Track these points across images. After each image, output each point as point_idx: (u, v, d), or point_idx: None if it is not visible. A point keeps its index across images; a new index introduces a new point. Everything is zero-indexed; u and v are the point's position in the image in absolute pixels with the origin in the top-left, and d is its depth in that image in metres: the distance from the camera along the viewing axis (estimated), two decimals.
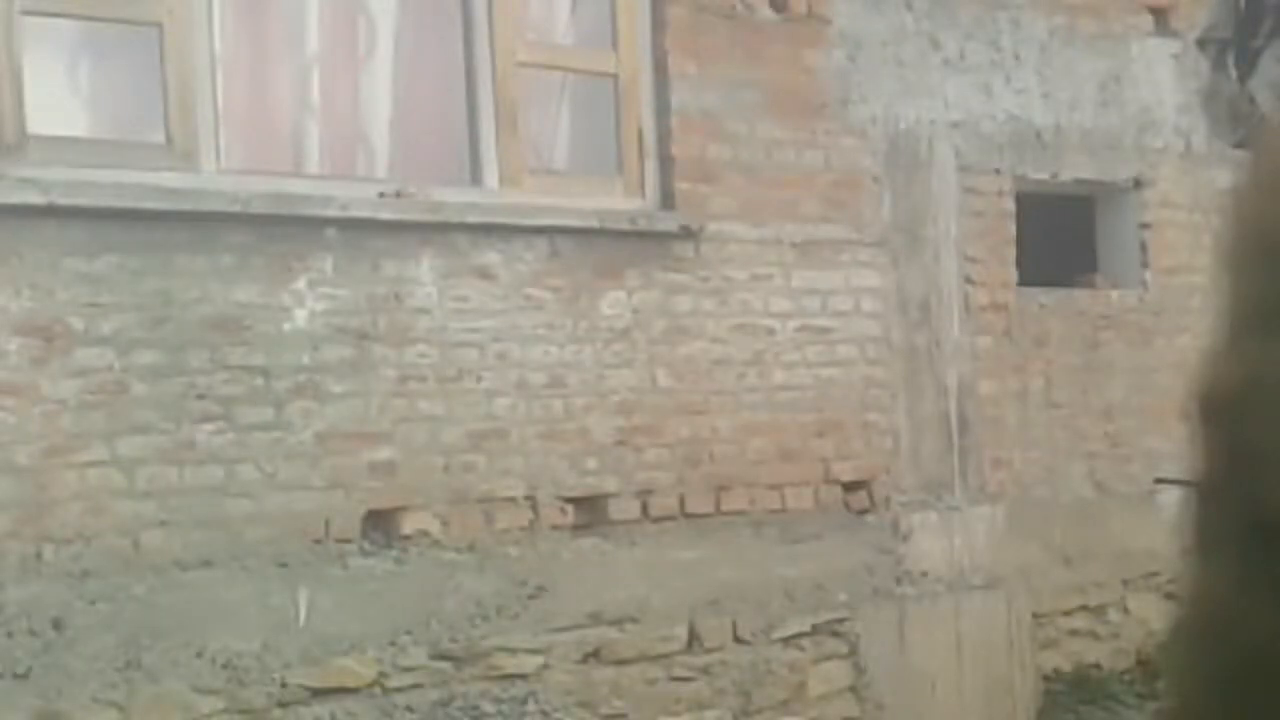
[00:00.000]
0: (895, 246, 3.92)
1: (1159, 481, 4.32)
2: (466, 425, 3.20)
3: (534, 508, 3.29)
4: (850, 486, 3.80)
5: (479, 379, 3.23)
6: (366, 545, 3.07)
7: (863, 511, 3.83)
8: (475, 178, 3.35)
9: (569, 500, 3.35)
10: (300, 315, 3.02)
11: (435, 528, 3.14)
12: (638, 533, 3.43)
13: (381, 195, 3.17)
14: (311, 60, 3.36)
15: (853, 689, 3.69)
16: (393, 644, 3.06)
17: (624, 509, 3.41)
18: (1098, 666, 4.21)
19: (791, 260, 3.71)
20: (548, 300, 3.33)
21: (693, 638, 3.47)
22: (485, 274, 3.26)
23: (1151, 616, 4.22)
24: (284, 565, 2.97)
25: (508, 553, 3.24)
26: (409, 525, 3.13)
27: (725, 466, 3.57)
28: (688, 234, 3.52)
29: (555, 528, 3.31)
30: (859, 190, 3.85)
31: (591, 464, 3.37)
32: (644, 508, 3.45)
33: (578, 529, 3.35)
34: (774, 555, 3.62)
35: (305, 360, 3.02)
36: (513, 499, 3.26)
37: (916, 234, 3.96)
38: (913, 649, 3.81)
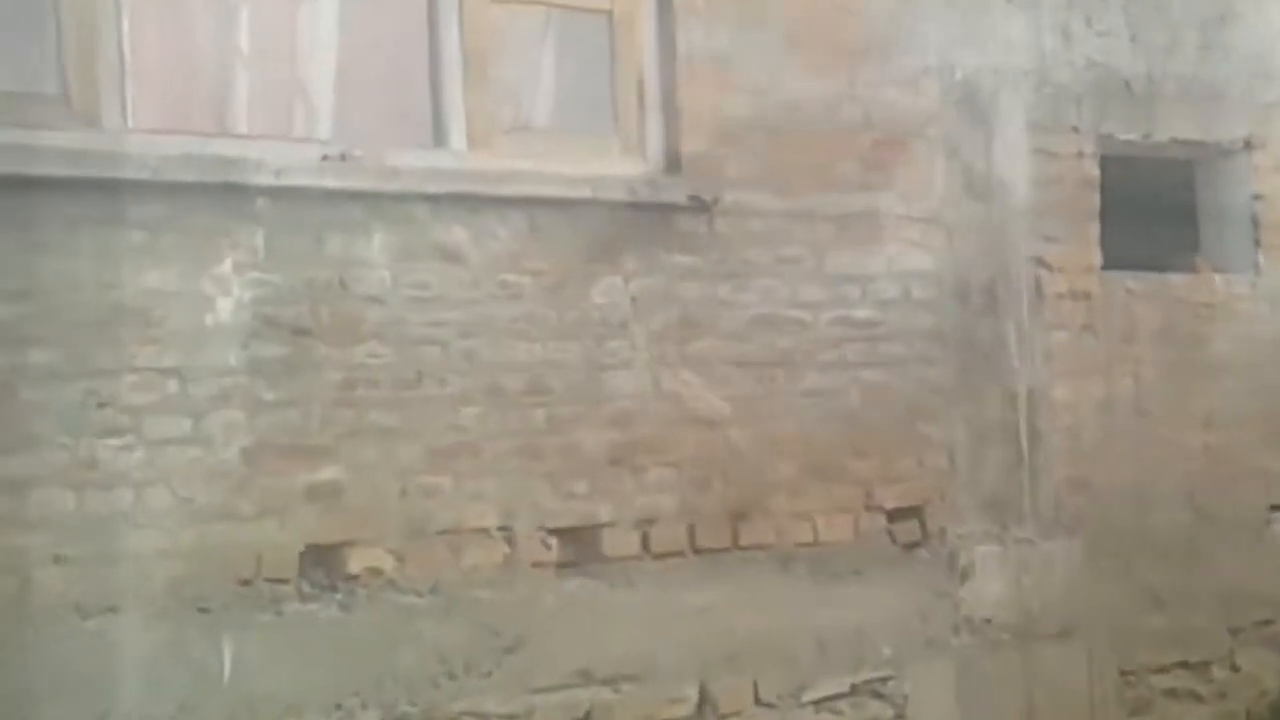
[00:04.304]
0: (952, 222, 3.91)
1: (1275, 509, 4.30)
2: (427, 440, 3.21)
3: (510, 541, 3.30)
4: (897, 515, 3.79)
5: (443, 383, 3.24)
6: (305, 586, 3.09)
7: (912, 545, 3.82)
8: (438, 138, 3.35)
9: (553, 531, 3.35)
10: (224, 306, 3.03)
11: (389, 565, 3.15)
12: (637, 571, 3.43)
13: (324, 159, 3.19)
14: None
15: None
16: (338, 707, 3.06)
17: (620, 542, 3.42)
18: None
19: (826, 238, 3.70)
20: (527, 287, 3.33)
21: (705, 700, 3.47)
22: (450, 255, 3.26)
23: (1264, 673, 4.24)
24: (205, 611, 2.97)
25: (478, 596, 3.24)
26: (357, 562, 3.13)
27: (744, 490, 3.57)
28: (699, 206, 3.52)
29: (536, 565, 3.32)
30: (907, 153, 3.84)
31: (580, 487, 3.37)
32: (644, 540, 3.46)
33: (563, 567, 3.35)
34: (804, 599, 3.61)
35: (230, 360, 3.03)
36: (484, 530, 3.27)
37: (978, 207, 3.96)
38: (974, 713, 3.80)
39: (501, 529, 3.28)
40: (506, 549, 3.29)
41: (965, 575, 3.88)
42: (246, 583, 3.01)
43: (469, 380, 3.25)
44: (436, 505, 3.20)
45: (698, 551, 3.50)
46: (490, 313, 3.28)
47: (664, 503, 3.47)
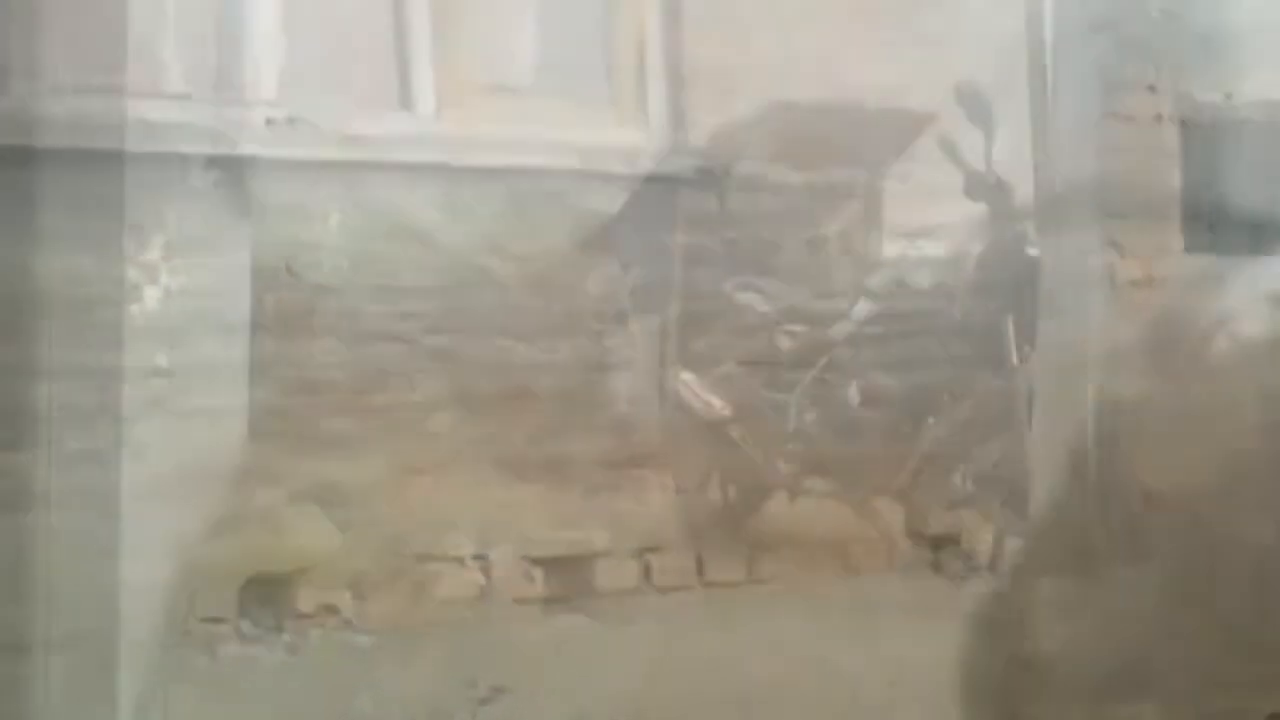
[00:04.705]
0: (1003, 199, 3.83)
1: None
2: (391, 452, 3.21)
3: (486, 571, 3.28)
4: (940, 541, 3.74)
5: (410, 386, 3.27)
6: (246, 626, 3.09)
7: (959, 577, 3.75)
8: (404, 99, 3.38)
9: (537, 561, 3.34)
10: (152, 295, 3.02)
11: (345, 601, 3.14)
12: (637, 607, 3.40)
13: (269, 123, 3.19)
14: None
15: None
16: None
17: (617, 573, 3.40)
18: None
19: (851, 214, 3.72)
20: (509, 273, 3.35)
21: None
22: (418, 236, 3.27)
23: None
24: (127, 653, 2.89)
25: (449, 636, 3.18)
26: (307, 598, 3.14)
27: (760, 512, 3.55)
28: (709, 179, 3.54)
29: (518, 600, 3.31)
30: (945, 120, 3.75)
31: (570, 508, 3.37)
32: (645, 571, 3.44)
33: (551, 602, 3.34)
34: (831, 641, 3.49)
35: (160, 360, 3.02)
36: (457, 559, 3.25)
37: (1034, 179, 3.90)
38: None
39: (477, 558, 3.28)
40: (483, 581, 3.28)
41: (1021, 613, 3.75)
42: (178, 621, 2.99)
43: (440, 382, 3.28)
44: (401, 530, 3.19)
45: (707, 584, 3.49)
46: (465, 304, 3.30)
47: (668, 527, 3.46)
